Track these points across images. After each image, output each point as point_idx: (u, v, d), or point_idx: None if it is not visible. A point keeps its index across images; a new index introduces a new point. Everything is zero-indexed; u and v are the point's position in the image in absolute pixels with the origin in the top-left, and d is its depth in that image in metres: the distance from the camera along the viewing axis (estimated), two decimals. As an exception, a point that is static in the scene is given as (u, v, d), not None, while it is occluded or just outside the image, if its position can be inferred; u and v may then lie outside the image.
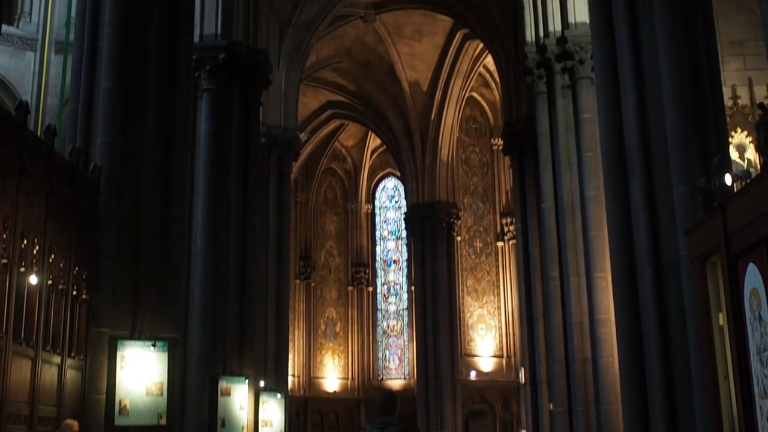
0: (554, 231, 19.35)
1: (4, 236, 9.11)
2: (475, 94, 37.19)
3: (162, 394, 11.74)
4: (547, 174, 19.76)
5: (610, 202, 11.82)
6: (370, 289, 41.12)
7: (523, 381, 24.99)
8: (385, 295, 41.38)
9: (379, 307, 41.13)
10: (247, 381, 17.70)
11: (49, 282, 10.24)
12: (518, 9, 22.11)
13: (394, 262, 41.71)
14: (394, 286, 41.39)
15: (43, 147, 10.28)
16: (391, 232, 42.24)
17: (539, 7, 20.42)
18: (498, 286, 37.35)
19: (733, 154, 14.87)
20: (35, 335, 9.81)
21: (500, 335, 36.81)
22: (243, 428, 17.50)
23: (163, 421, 11.70)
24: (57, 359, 10.44)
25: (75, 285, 10.91)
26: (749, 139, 15.67)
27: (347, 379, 39.69)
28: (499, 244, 37.67)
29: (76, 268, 10.98)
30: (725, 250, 7.65)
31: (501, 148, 29.95)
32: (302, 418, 37.29)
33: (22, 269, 9.46)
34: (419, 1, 30.05)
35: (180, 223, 12.86)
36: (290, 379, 32.13)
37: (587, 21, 16.63)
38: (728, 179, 8.23)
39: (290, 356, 31.53)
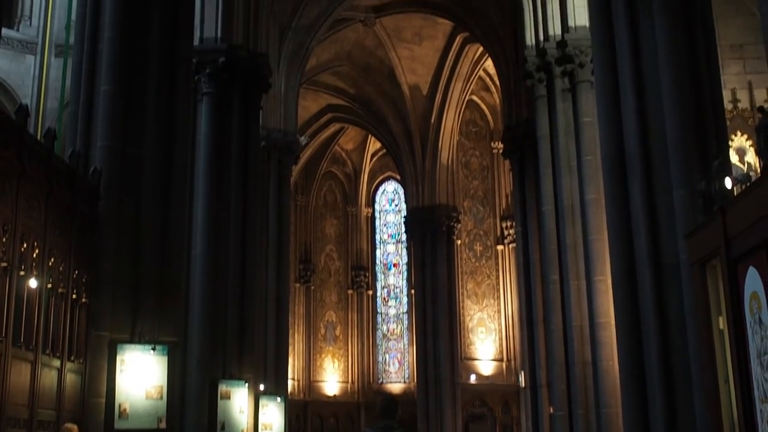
0: (554, 234, 19.36)
1: (4, 239, 9.11)
2: (475, 98, 37.18)
3: (162, 397, 11.74)
4: (547, 177, 19.77)
5: (610, 205, 11.82)
6: (370, 292, 41.11)
7: (523, 384, 24.98)
8: (385, 298, 41.36)
9: (379, 310, 41.11)
10: (246, 384, 17.69)
11: (49, 285, 10.23)
12: (518, 13, 22.12)
13: (394, 265, 41.69)
14: (394, 290, 41.37)
15: (42, 150, 10.28)
16: (391, 236, 42.23)
17: (539, 11, 20.45)
18: (498, 290, 37.33)
19: (733, 158, 14.87)
20: (35, 339, 9.80)
21: (500, 339, 36.79)
22: (243, 432, 17.51)
23: (163, 425, 11.69)
24: (56, 363, 10.43)
25: (75, 288, 10.91)
26: (749, 142, 15.67)
27: (347, 382, 39.67)
28: (499, 247, 37.66)
29: (76, 272, 10.97)
30: (725, 254, 7.65)
31: (501, 151, 29.99)
32: (302, 421, 37.28)
33: (22, 272, 9.45)
34: (419, 5, 30.06)
35: (180, 226, 12.86)
36: (290, 382, 32.12)
37: (587, 24, 16.64)
38: (728, 183, 8.23)
39: (290, 360, 31.50)
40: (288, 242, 25.48)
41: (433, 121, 34.73)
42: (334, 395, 39.29)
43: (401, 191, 40.06)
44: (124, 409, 11.43)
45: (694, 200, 9.70)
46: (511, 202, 33.71)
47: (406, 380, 39.15)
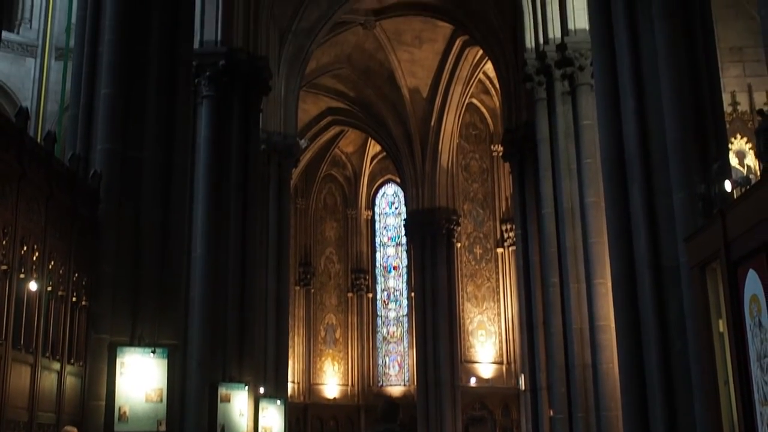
0: (554, 237, 19.36)
1: (4, 242, 9.11)
2: (474, 101, 37.20)
3: (162, 400, 11.73)
4: (547, 180, 19.77)
5: (610, 208, 11.83)
6: (370, 295, 41.10)
7: (523, 387, 24.96)
8: (384, 301, 41.35)
9: (378, 313, 41.10)
10: (246, 387, 17.69)
11: (49, 288, 10.23)
12: (518, 15, 22.15)
13: (394, 268, 41.69)
14: (393, 293, 41.36)
15: (43, 153, 10.28)
16: (390, 239, 42.22)
17: (539, 14, 20.46)
18: (498, 293, 37.31)
19: (733, 161, 14.86)
20: (35, 341, 9.80)
21: (500, 342, 36.77)
22: (242, 435, 17.50)
23: (163, 428, 11.69)
24: (56, 366, 10.43)
25: (75, 291, 10.91)
26: (749, 145, 15.66)
27: (347, 385, 39.65)
28: (499, 250, 37.64)
29: (76, 275, 10.97)
30: (725, 257, 7.65)
31: (501, 154, 29.96)
32: (302, 424, 37.25)
33: (22, 275, 9.45)
34: (419, 8, 30.08)
35: (180, 229, 12.86)
36: (290, 385, 32.10)
37: (587, 28, 16.67)
38: (728, 186, 8.24)
39: (290, 363, 31.49)
40: (288, 245, 25.48)
41: (433, 124, 34.74)
42: (334, 398, 39.27)
43: (401, 194, 40.06)
44: (124, 412, 11.43)
45: (693, 203, 9.70)
46: (511, 205, 33.71)
47: (406, 383, 39.14)
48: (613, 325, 13.70)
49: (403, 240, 39.56)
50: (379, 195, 42.68)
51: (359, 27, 31.22)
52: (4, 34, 21.58)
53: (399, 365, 39.98)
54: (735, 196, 8.05)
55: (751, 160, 15.52)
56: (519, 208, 23.24)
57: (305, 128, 35.44)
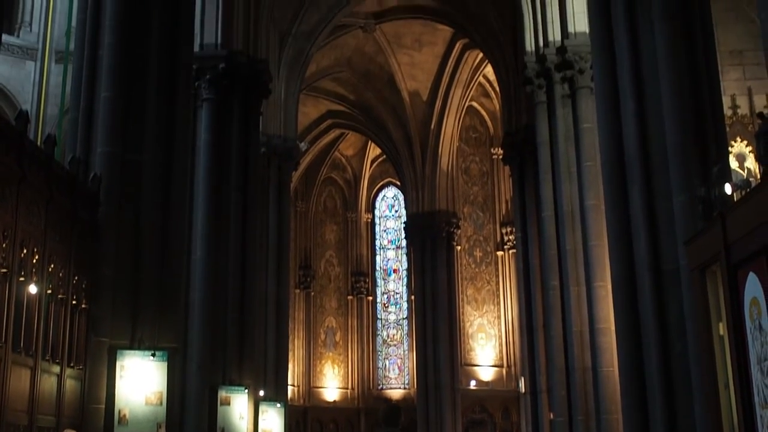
0: (554, 240, 19.35)
1: (4, 245, 9.12)
2: (474, 104, 37.21)
3: (161, 403, 11.73)
4: (547, 183, 19.77)
5: (610, 211, 11.83)
6: (370, 298, 41.08)
7: (524, 390, 24.95)
8: (384, 304, 41.34)
9: (379, 316, 41.08)
10: (246, 390, 17.68)
11: (49, 291, 10.24)
12: (518, 18, 22.15)
13: (394, 271, 41.68)
14: (393, 296, 41.35)
15: (43, 156, 10.29)
16: (390, 242, 42.22)
17: (539, 17, 20.46)
18: (498, 296, 37.30)
19: (733, 164, 14.87)
20: (34, 344, 9.80)
21: (500, 344, 36.75)
22: (242, 438, 17.48)
23: (163, 431, 11.68)
24: (56, 369, 10.43)
25: (74, 294, 10.91)
26: (749, 148, 15.67)
27: (347, 388, 39.62)
28: (499, 253, 37.63)
29: (76, 278, 10.97)
30: (725, 260, 7.65)
31: (501, 157, 29.96)
32: (302, 427, 37.21)
33: (22, 278, 9.46)
34: (419, 11, 30.10)
35: (180, 232, 12.86)
36: (290, 388, 32.08)
37: (587, 31, 16.66)
38: (728, 188, 8.23)
39: (290, 366, 31.48)
40: (288, 248, 25.48)
41: (433, 127, 34.76)
42: (334, 401, 39.25)
43: (401, 197, 40.07)
44: (124, 415, 11.43)
45: (693, 206, 9.70)
46: (511, 208, 33.72)
47: (406, 386, 39.11)
48: (613, 328, 13.69)
49: (403, 243, 39.55)
50: (379, 198, 42.68)
51: (359, 30, 31.25)
52: (5, 37, 21.59)
53: (399, 368, 39.96)
54: (735, 199, 8.05)
55: (751, 163, 15.53)
56: (519, 211, 23.24)
57: (305, 131, 35.45)
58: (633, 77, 11.37)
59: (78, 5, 13.56)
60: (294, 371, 37.24)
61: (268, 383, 22.20)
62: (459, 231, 35.70)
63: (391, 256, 41.98)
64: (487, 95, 36.80)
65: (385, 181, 42.20)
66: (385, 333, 40.78)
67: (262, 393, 20.32)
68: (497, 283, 37.36)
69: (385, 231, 42.47)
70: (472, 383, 35.83)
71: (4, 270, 9.09)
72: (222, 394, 16.97)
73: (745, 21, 16.96)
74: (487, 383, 36.25)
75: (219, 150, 18.35)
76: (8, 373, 9.10)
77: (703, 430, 9.51)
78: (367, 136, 38.12)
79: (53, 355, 10.32)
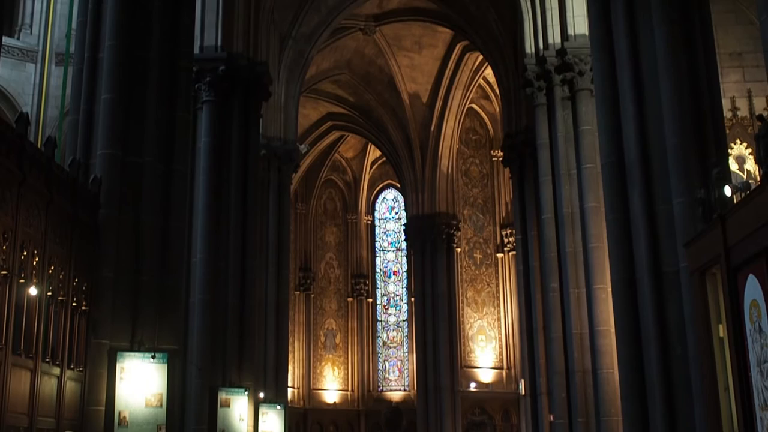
0: (554, 242, 19.36)
1: (4, 247, 9.12)
2: (474, 106, 37.22)
3: (161, 405, 11.72)
4: (547, 185, 19.77)
5: (610, 213, 11.83)
6: (370, 300, 41.07)
7: (523, 392, 24.94)
8: (384, 306, 41.33)
9: (378, 318, 41.08)
10: (246, 392, 17.68)
11: (49, 293, 10.23)
12: (518, 21, 22.16)
13: (394, 273, 41.68)
14: (393, 298, 41.35)
15: (43, 159, 10.29)
16: (390, 244, 42.22)
17: (539, 20, 20.47)
18: (498, 298, 37.30)
19: (733, 166, 14.91)
20: (35, 347, 9.80)
21: (500, 347, 36.75)
22: (242, 440, 17.48)
23: (163, 433, 11.68)
24: (56, 371, 10.42)
25: (75, 296, 10.91)
26: (749, 150, 15.70)
27: (347, 390, 39.61)
28: (499, 255, 37.64)
29: (76, 280, 10.97)
30: (725, 262, 7.66)
31: (501, 159, 30.00)
32: (302, 429, 37.21)
33: (22, 280, 9.46)
34: (419, 13, 30.11)
35: (180, 234, 12.86)
36: (290, 390, 32.09)
37: (587, 33, 16.69)
38: (728, 191, 8.25)
39: (290, 367, 31.49)
40: (288, 250, 25.48)
41: (432, 129, 34.76)
42: (334, 403, 39.23)
43: (401, 199, 40.08)
44: (124, 417, 11.42)
45: (693, 208, 9.71)
46: (511, 210, 33.70)
47: (406, 388, 39.10)
48: (613, 330, 13.70)
49: (403, 245, 39.56)
50: (379, 200, 42.69)
51: (359, 32, 31.26)
52: (5, 39, 21.59)
53: (399, 370, 39.95)
54: (735, 202, 8.06)
55: (750, 165, 15.56)
56: (519, 213, 23.24)
57: (305, 133, 35.46)
58: (633, 79, 11.38)
59: (78, 8, 13.56)
60: (294, 373, 37.24)
61: (268, 385, 22.21)
62: (459, 233, 35.70)
63: (391, 258, 41.99)
64: (487, 97, 36.81)
65: (385, 183, 42.22)
66: (385, 335, 40.78)
67: (262, 395, 20.32)
68: (497, 285, 37.36)
69: (385, 233, 42.47)
70: (472, 385, 35.82)
71: (5, 272, 9.09)
72: (222, 396, 16.98)
73: (744, 23, 16.99)
74: (487, 385, 36.24)
75: (219, 152, 18.36)
76: (8, 375, 9.10)
77: (703, 432, 9.52)
78: (367, 138, 38.12)
79: (53, 357, 10.32)
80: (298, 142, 27.42)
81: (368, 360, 40.03)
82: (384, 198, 42.68)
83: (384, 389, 39.62)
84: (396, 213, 42.19)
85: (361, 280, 40.97)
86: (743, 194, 8.06)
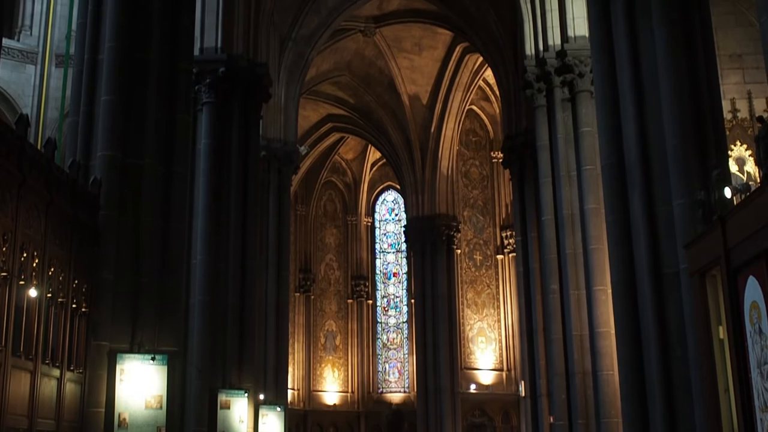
0: (554, 244, 19.35)
1: (4, 249, 9.11)
2: (474, 108, 37.23)
3: (161, 407, 11.72)
4: (547, 187, 19.77)
5: (610, 215, 11.83)
6: (370, 302, 41.08)
7: (523, 394, 24.93)
8: (384, 308, 41.33)
9: (378, 320, 41.08)
10: (246, 394, 17.67)
11: (49, 295, 10.23)
12: (518, 23, 22.17)
13: (394, 275, 41.68)
14: (393, 299, 41.35)
15: (43, 160, 10.29)
16: (390, 245, 42.22)
17: (539, 21, 20.48)
18: (498, 299, 37.31)
19: (733, 168, 14.90)
20: (34, 348, 9.80)
21: (500, 348, 36.75)
22: (242, 442, 17.47)
23: (163, 435, 11.67)
24: (56, 372, 10.42)
25: (74, 298, 10.91)
26: (749, 152, 15.69)
27: (347, 392, 39.61)
28: (499, 257, 37.65)
29: (76, 281, 10.97)
30: (725, 264, 7.66)
31: (501, 161, 30.00)
32: (302, 431, 37.21)
33: (22, 282, 9.45)
34: (419, 15, 30.13)
35: (180, 236, 12.85)
36: (290, 392, 32.08)
37: (587, 35, 16.70)
38: (728, 192, 8.25)
39: (290, 369, 31.47)
40: (288, 251, 25.49)
41: (432, 130, 34.77)
42: (334, 405, 39.23)
43: (401, 201, 40.08)
44: (124, 419, 11.41)
45: (693, 210, 9.71)
46: (511, 212, 33.71)
47: (406, 390, 39.10)
48: (613, 331, 13.69)
49: (403, 247, 39.57)
50: (379, 202, 42.70)
51: (359, 34, 31.28)
52: (5, 41, 21.58)
53: (399, 372, 39.95)
54: (735, 203, 8.06)
55: (750, 166, 15.55)
56: (519, 214, 23.24)
57: (305, 135, 35.48)
58: (633, 80, 11.38)
59: (78, 9, 13.56)
60: (294, 375, 37.24)
61: (268, 387, 22.20)
62: (459, 234, 35.70)
63: (391, 260, 41.99)
64: (487, 99, 36.82)
65: (385, 184, 42.23)
66: (385, 336, 40.78)
67: (262, 396, 20.32)
68: (497, 286, 37.37)
69: (385, 234, 42.48)
70: (472, 387, 35.82)
71: (4, 274, 9.09)
72: (222, 397, 16.97)
73: (744, 24, 16.99)
74: (487, 387, 36.25)
75: (219, 153, 18.37)
76: (8, 377, 9.10)
77: (703, 434, 9.52)
78: (367, 139, 38.14)
79: (53, 359, 10.32)
80: (298, 143, 27.43)
81: (368, 362, 40.03)
82: (384, 199, 42.69)
83: (384, 391, 39.62)
84: (396, 214, 42.20)
85: (361, 282, 40.97)
86: (743, 196, 8.06)
